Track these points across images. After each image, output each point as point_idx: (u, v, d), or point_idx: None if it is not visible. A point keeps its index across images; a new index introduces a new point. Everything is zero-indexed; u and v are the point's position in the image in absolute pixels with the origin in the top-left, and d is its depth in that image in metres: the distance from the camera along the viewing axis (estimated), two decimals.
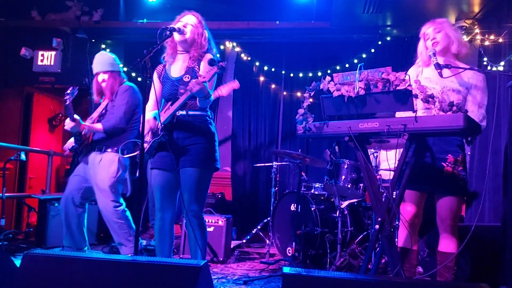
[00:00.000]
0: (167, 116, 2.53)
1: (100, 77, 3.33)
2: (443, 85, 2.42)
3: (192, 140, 2.57)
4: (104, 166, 3.18)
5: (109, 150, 3.22)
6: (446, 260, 2.33)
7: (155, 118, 2.56)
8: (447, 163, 2.37)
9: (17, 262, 1.85)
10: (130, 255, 3.14)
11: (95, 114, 3.30)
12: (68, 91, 3.04)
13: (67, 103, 3.02)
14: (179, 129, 2.57)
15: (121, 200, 3.25)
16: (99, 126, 3.19)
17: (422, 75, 2.52)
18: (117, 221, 3.17)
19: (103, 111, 3.31)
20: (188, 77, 2.59)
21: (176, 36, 2.61)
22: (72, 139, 3.35)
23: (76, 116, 3.08)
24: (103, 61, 3.35)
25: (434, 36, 2.49)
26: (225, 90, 4.34)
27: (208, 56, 2.63)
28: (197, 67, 2.62)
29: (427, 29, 2.53)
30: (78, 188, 3.25)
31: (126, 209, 3.24)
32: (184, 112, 2.57)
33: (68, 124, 3.09)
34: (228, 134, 5.85)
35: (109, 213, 3.16)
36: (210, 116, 2.68)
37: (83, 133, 3.18)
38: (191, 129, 2.58)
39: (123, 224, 3.18)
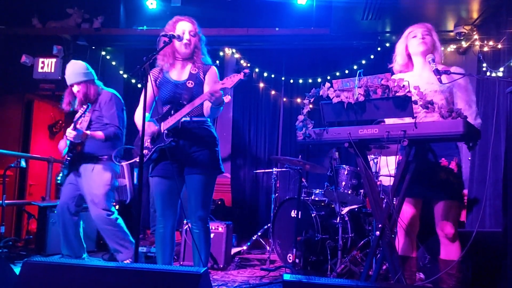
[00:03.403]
0: (172, 123, 2.49)
1: (75, 89, 3.32)
2: (424, 87, 2.41)
3: (198, 147, 2.57)
4: (97, 174, 3.19)
5: (99, 157, 3.22)
6: (451, 268, 2.31)
7: (153, 123, 2.54)
8: (440, 167, 2.36)
9: (17, 269, 1.85)
10: (128, 261, 3.14)
11: (84, 124, 3.27)
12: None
13: (78, 120, 3.14)
14: (184, 136, 2.56)
15: (113, 209, 3.25)
16: (100, 133, 3.20)
17: None
18: (110, 229, 3.17)
19: (90, 120, 3.29)
20: (191, 83, 2.58)
21: (177, 43, 2.62)
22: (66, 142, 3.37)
23: (78, 126, 3.11)
24: (76, 71, 3.32)
25: (423, 37, 2.49)
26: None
27: (214, 68, 2.65)
28: (201, 74, 2.62)
29: (416, 29, 2.53)
30: (72, 196, 3.26)
31: (118, 216, 3.24)
32: (188, 118, 2.56)
33: (71, 133, 3.09)
34: (228, 140, 5.85)
35: (102, 221, 3.16)
36: (211, 121, 2.69)
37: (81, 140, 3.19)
38: (195, 135, 2.58)
39: (117, 231, 3.18)
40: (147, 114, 2.59)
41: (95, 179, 3.18)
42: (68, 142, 3.32)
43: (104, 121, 3.25)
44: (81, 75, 3.32)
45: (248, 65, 5.68)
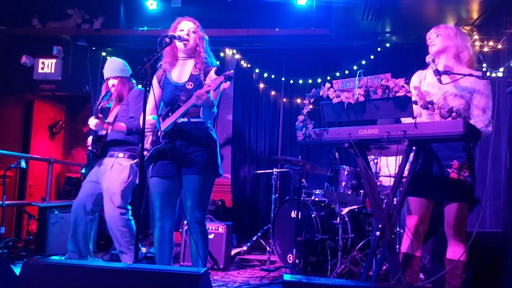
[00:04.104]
0: (168, 124, 2.51)
1: (110, 82, 3.35)
2: (445, 90, 2.42)
3: (195, 148, 2.56)
4: (116, 171, 3.19)
5: (121, 155, 3.23)
6: (455, 268, 2.31)
7: (156, 121, 2.56)
8: (452, 169, 2.35)
9: (17, 270, 1.85)
10: (130, 263, 3.14)
11: (110, 118, 3.29)
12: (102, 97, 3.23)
13: (99, 106, 3.12)
14: (181, 137, 2.56)
15: (128, 207, 3.24)
16: (122, 125, 3.18)
17: (425, 81, 2.52)
18: (120, 229, 3.15)
19: (116, 114, 3.31)
20: (191, 85, 2.58)
21: (180, 44, 2.62)
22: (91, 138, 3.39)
23: (100, 115, 3.09)
24: (114, 66, 3.37)
25: (432, 40, 2.50)
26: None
27: (216, 68, 2.63)
28: (202, 76, 2.61)
29: (430, 34, 2.54)
30: (91, 194, 3.24)
31: (131, 218, 3.23)
32: (185, 119, 2.56)
33: (92, 121, 3.09)
34: (228, 140, 5.86)
35: (114, 220, 3.15)
36: (211, 122, 2.68)
37: (105, 131, 3.18)
38: (192, 136, 2.57)
39: (126, 232, 3.17)
40: (155, 116, 2.61)
41: (113, 175, 3.18)
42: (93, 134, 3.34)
43: (130, 115, 3.24)
44: (118, 70, 3.34)
45: (249, 65, 5.68)
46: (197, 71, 2.63)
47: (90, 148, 3.31)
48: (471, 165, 2.39)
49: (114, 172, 3.19)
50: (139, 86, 3.39)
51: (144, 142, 2.62)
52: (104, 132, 3.23)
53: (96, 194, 3.26)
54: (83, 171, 3.40)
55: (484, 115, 2.38)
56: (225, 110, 5.98)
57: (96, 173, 3.29)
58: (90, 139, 3.36)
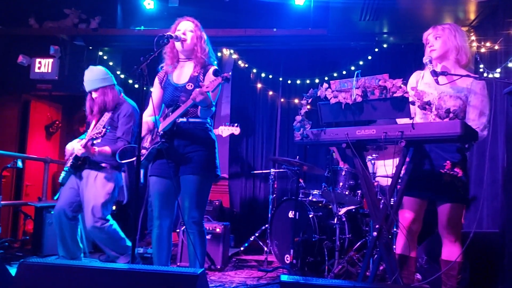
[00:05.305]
0: (167, 123, 2.52)
1: (93, 95, 3.27)
2: (441, 90, 2.42)
3: (193, 148, 2.56)
4: (100, 183, 3.16)
5: (103, 165, 3.19)
6: (451, 269, 2.31)
7: (154, 122, 2.58)
8: (445, 170, 2.36)
9: (13, 271, 1.84)
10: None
11: (99, 126, 3.20)
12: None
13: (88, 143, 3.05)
14: (179, 137, 2.57)
15: (109, 217, 3.20)
16: (107, 149, 3.13)
17: (422, 80, 2.52)
18: (103, 237, 3.14)
19: (104, 128, 3.25)
20: (191, 86, 2.58)
21: (178, 44, 2.62)
22: (74, 142, 3.30)
23: (88, 144, 3.04)
24: (92, 78, 3.24)
25: (432, 43, 2.47)
26: (225, 132, 4.40)
27: (214, 68, 2.63)
28: (201, 76, 2.62)
29: (428, 35, 2.51)
30: (69, 202, 3.21)
31: (113, 222, 3.19)
32: (184, 119, 2.57)
33: (79, 150, 3.04)
34: (226, 141, 5.84)
35: (95, 232, 3.11)
36: (210, 123, 2.68)
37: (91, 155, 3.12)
38: (191, 136, 2.57)
39: (109, 239, 3.15)
40: (153, 117, 2.63)
41: (97, 187, 3.15)
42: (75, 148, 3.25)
43: (117, 134, 3.21)
44: (98, 81, 3.24)
45: (246, 65, 5.67)
46: (197, 72, 2.64)
47: (72, 160, 3.22)
48: (464, 165, 2.38)
49: (98, 184, 3.15)
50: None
51: (144, 141, 2.63)
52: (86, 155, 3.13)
53: (76, 202, 3.21)
54: (61, 178, 3.29)
55: (480, 119, 2.36)
56: (223, 110, 5.97)
57: (75, 181, 3.25)
58: (69, 148, 3.29)
